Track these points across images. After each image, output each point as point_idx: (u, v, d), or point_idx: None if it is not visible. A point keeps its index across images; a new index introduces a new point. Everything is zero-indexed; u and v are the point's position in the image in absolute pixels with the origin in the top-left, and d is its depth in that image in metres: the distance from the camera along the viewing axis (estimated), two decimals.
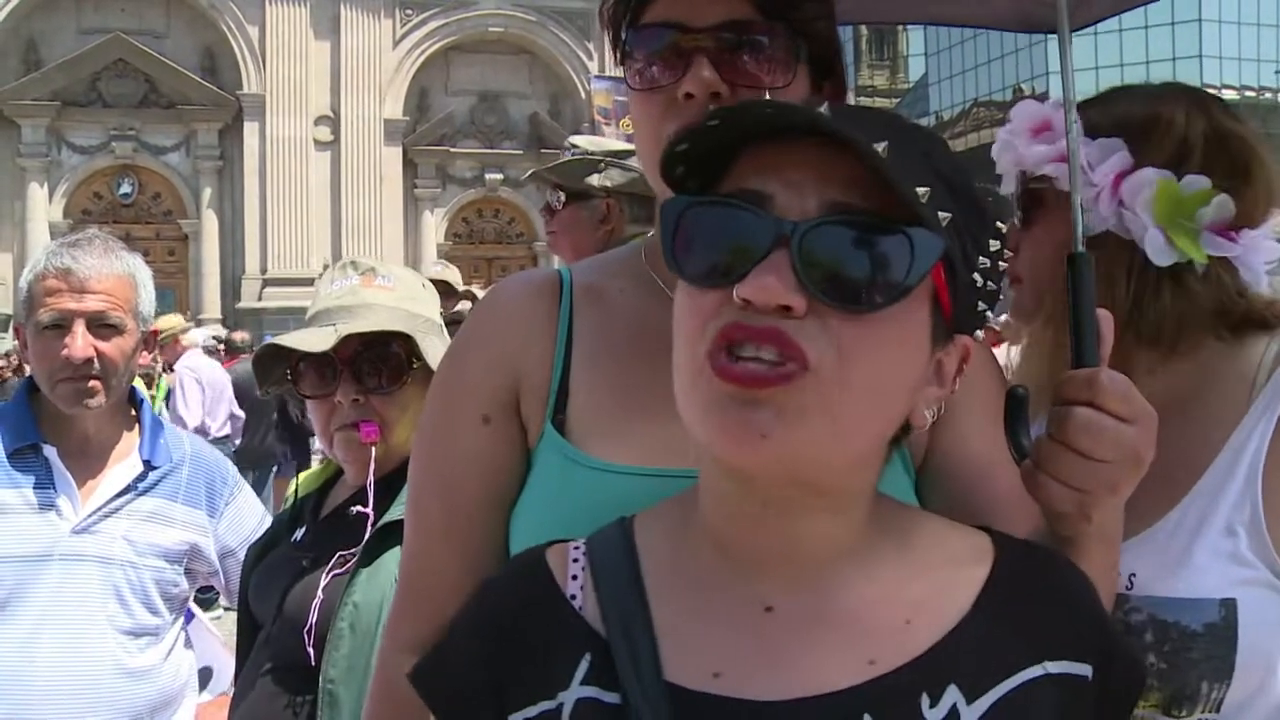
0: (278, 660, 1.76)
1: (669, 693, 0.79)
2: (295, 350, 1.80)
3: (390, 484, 1.74)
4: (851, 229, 0.76)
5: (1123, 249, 1.22)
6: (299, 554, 1.84)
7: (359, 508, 1.77)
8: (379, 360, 1.80)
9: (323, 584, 1.73)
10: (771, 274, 0.75)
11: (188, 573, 2.21)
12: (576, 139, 3.27)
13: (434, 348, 1.81)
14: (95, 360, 2.04)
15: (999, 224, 0.85)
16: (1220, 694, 1.10)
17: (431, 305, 1.96)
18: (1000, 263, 0.85)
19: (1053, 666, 0.83)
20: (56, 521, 2.05)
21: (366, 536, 1.72)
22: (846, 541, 0.85)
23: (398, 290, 1.89)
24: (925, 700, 0.79)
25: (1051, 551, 0.93)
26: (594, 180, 2.92)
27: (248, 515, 2.34)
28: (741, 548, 0.85)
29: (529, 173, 3.61)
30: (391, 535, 1.66)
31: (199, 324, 20.70)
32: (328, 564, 1.75)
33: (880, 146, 0.74)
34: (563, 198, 3.00)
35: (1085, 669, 0.84)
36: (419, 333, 1.82)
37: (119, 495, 2.12)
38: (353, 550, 1.73)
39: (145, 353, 2.20)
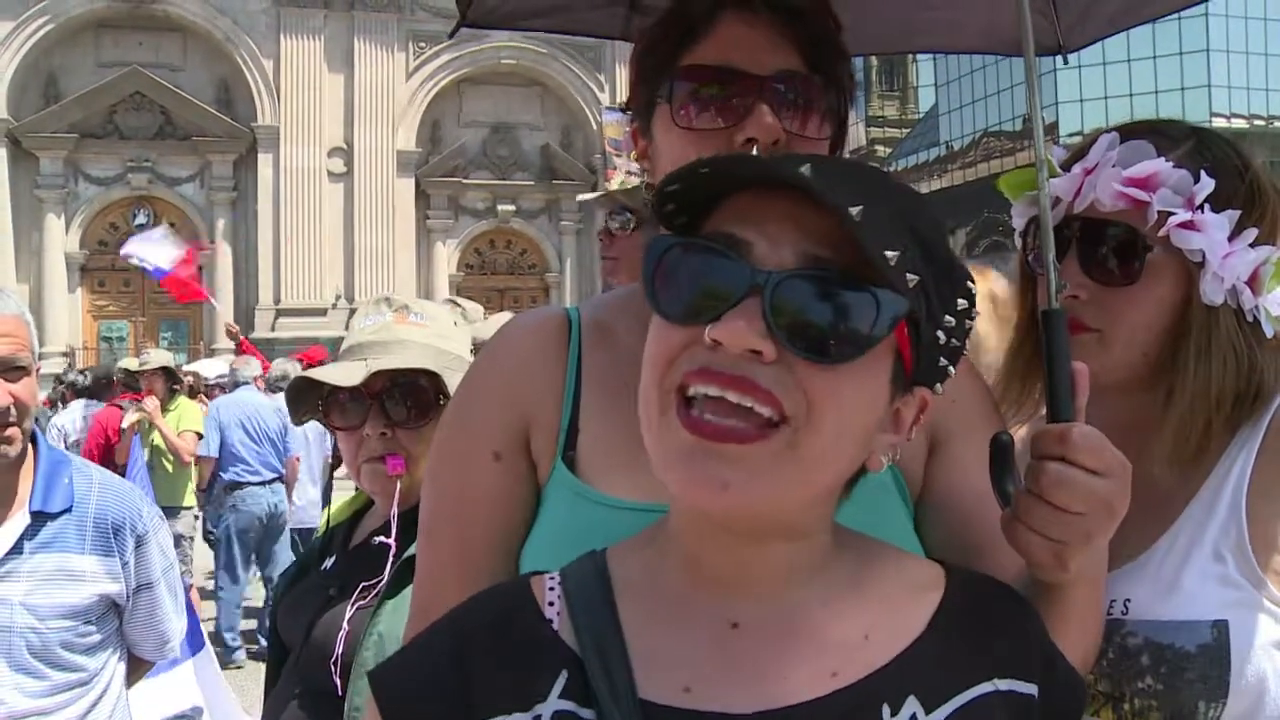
0: (305, 685, 1.80)
1: (642, 708, 0.82)
2: (326, 383, 1.85)
3: (416, 516, 1.77)
4: (822, 283, 0.80)
5: (1230, 317, 1.25)
6: (327, 583, 1.89)
7: (382, 538, 1.81)
8: (407, 395, 1.85)
9: (348, 615, 1.76)
10: (743, 319, 0.78)
11: (102, 617, 2.11)
12: None
13: None
14: (11, 407, 1.92)
15: (969, 284, 0.88)
16: (1217, 713, 1.13)
17: (462, 343, 2.00)
18: (967, 321, 0.89)
19: (1002, 684, 0.88)
20: None
21: (389, 567, 1.75)
22: (807, 565, 0.89)
23: (429, 328, 1.94)
24: (886, 710, 0.83)
25: (999, 582, 0.97)
26: None
27: (157, 555, 2.21)
28: (708, 568, 0.88)
29: (599, 193, 3.51)
30: None
31: (212, 354, 20.82)
32: (353, 594, 1.79)
33: (856, 210, 0.77)
34: (631, 223, 3.00)
35: (1031, 688, 0.89)
36: (447, 370, 1.86)
37: (9, 555, 1.98)
38: (375, 581, 1.77)
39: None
